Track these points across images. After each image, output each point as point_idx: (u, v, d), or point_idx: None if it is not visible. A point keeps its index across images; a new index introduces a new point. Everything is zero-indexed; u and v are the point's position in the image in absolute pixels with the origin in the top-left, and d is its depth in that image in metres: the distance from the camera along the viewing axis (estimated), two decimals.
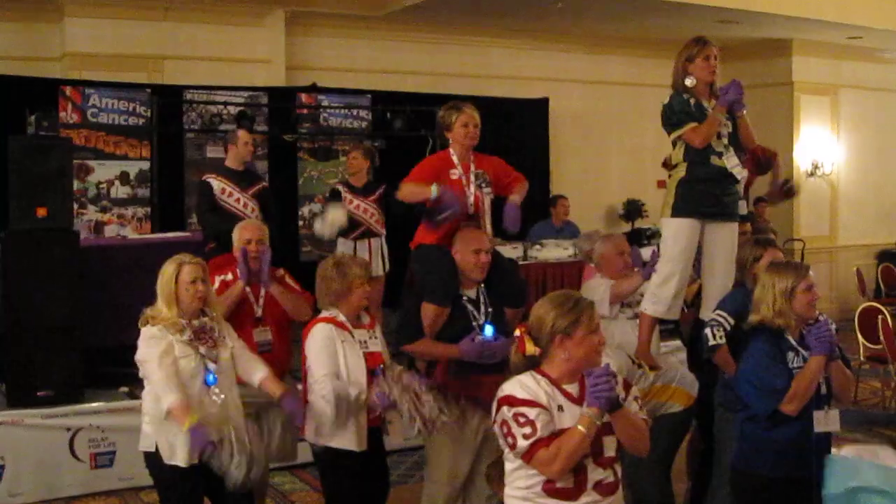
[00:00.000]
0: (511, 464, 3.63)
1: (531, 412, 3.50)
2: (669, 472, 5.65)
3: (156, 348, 4.70)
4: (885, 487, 3.40)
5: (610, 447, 3.62)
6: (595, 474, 3.57)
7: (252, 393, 5.21)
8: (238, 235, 5.67)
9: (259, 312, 5.56)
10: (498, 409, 3.59)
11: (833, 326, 4.92)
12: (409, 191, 5.43)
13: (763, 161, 7.83)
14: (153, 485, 5.12)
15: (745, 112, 5.40)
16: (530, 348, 3.63)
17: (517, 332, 3.73)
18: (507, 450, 3.61)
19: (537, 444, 3.47)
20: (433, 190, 5.28)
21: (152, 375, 4.71)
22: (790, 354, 4.43)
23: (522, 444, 3.48)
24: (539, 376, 3.62)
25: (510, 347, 3.82)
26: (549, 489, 3.53)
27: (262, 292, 5.61)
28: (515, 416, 3.51)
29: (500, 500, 4.86)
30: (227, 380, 4.92)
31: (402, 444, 6.83)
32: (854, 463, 3.62)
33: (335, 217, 8.80)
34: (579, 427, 3.46)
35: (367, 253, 8.97)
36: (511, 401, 3.55)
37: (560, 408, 3.56)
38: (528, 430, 3.48)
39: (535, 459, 3.48)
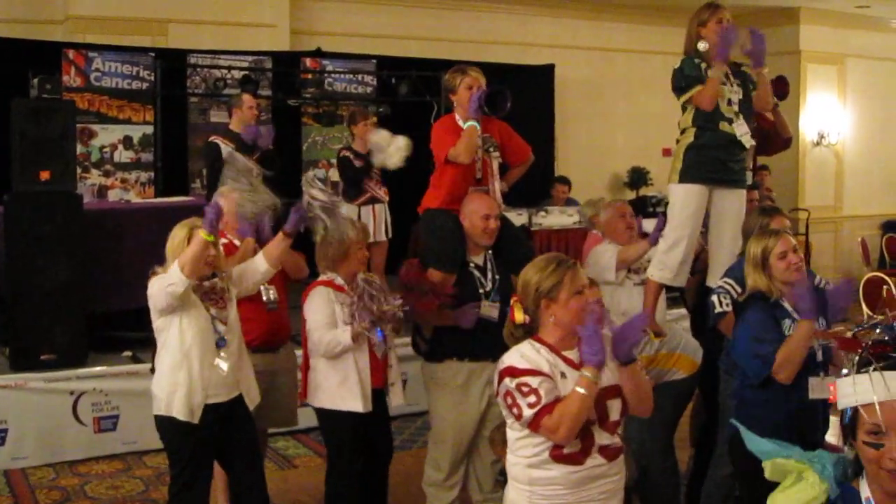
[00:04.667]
0: (516, 433, 3.61)
1: (534, 381, 3.48)
2: (673, 440, 5.65)
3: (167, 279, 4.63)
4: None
5: (614, 411, 3.61)
6: (601, 439, 3.56)
7: (263, 361, 5.33)
8: (227, 203, 5.46)
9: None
10: (500, 381, 3.56)
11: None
12: (465, 144, 5.34)
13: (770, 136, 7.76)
14: (160, 448, 5.14)
15: (764, 70, 5.38)
16: (519, 317, 3.61)
17: (512, 302, 3.71)
18: (511, 420, 3.60)
19: (542, 412, 3.44)
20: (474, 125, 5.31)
21: (162, 282, 4.60)
22: (786, 322, 4.39)
23: (528, 413, 3.46)
24: (538, 344, 3.59)
25: None
26: (557, 455, 3.51)
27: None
28: (518, 386, 3.49)
29: (505, 464, 4.90)
30: (237, 339, 4.91)
31: (405, 410, 6.83)
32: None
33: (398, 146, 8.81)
34: (578, 389, 3.43)
35: (371, 219, 8.92)
36: (513, 371, 3.52)
37: (563, 374, 3.54)
38: (532, 398, 3.46)
39: (542, 427, 3.46)
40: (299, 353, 6.17)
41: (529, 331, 3.65)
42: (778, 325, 4.37)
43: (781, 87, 7.27)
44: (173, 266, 4.58)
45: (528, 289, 3.62)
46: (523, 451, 3.59)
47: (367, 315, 4.99)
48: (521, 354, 3.56)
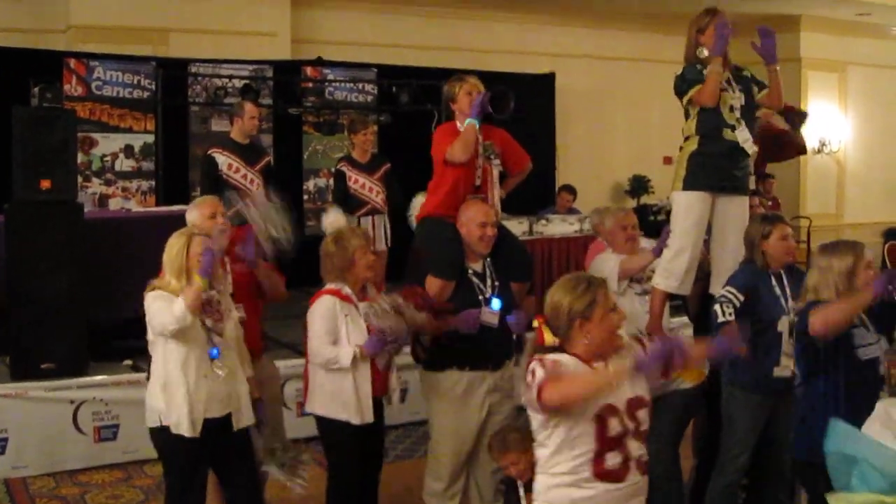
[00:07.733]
0: (546, 448, 3.55)
1: (554, 361, 3.47)
2: (677, 450, 5.63)
3: (166, 301, 4.58)
4: (878, 465, 3.32)
5: (644, 421, 3.60)
6: (635, 450, 3.55)
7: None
8: (199, 213, 5.36)
9: (230, 290, 5.44)
10: (527, 367, 3.53)
11: None
12: (462, 141, 5.36)
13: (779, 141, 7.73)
14: (158, 459, 5.11)
15: (777, 66, 5.37)
16: (549, 338, 3.58)
17: (535, 324, 3.68)
18: (528, 396, 3.51)
19: (554, 376, 3.42)
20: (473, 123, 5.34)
21: (163, 312, 4.56)
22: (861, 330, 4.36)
23: (540, 372, 3.43)
24: (567, 355, 3.57)
25: (519, 321, 3.74)
26: (599, 472, 3.47)
27: (228, 269, 5.31)
28: (542, 360, 3.47)
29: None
30: (232, 352, 4.86)
31: (406, 419, 6.80)
32: (854, 433, 3.53)
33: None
34: (598, 367, 3.48)
35: (370, 229, 8.90)
36: (541, 360, 3.49)
37: None
38: (550, 367, 3.44)
39: (548, 385, 3.39)
40: (284, 362, 6.07)
41: (557, 349, 3.61)
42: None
43: (794, 117, 7.17)
44: (178, 304, 4.53)
45: (559, 310, 3.57)
46: (559, 468, 3.53)
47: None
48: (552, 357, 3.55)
